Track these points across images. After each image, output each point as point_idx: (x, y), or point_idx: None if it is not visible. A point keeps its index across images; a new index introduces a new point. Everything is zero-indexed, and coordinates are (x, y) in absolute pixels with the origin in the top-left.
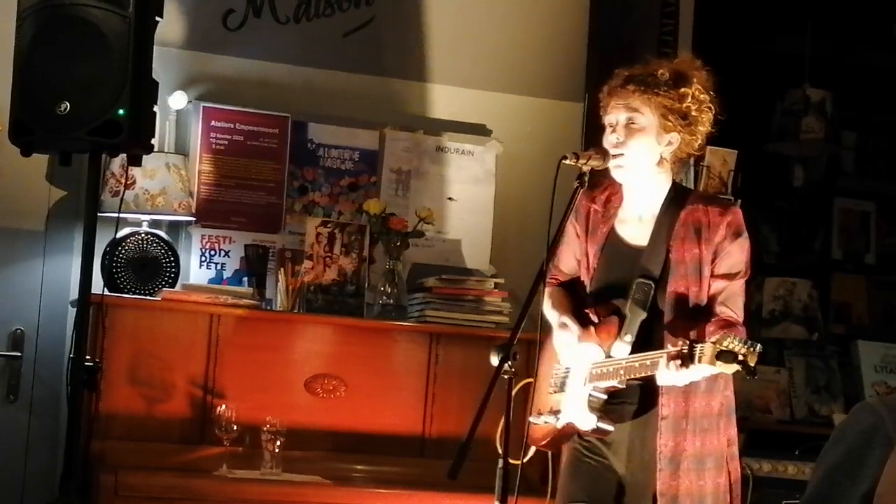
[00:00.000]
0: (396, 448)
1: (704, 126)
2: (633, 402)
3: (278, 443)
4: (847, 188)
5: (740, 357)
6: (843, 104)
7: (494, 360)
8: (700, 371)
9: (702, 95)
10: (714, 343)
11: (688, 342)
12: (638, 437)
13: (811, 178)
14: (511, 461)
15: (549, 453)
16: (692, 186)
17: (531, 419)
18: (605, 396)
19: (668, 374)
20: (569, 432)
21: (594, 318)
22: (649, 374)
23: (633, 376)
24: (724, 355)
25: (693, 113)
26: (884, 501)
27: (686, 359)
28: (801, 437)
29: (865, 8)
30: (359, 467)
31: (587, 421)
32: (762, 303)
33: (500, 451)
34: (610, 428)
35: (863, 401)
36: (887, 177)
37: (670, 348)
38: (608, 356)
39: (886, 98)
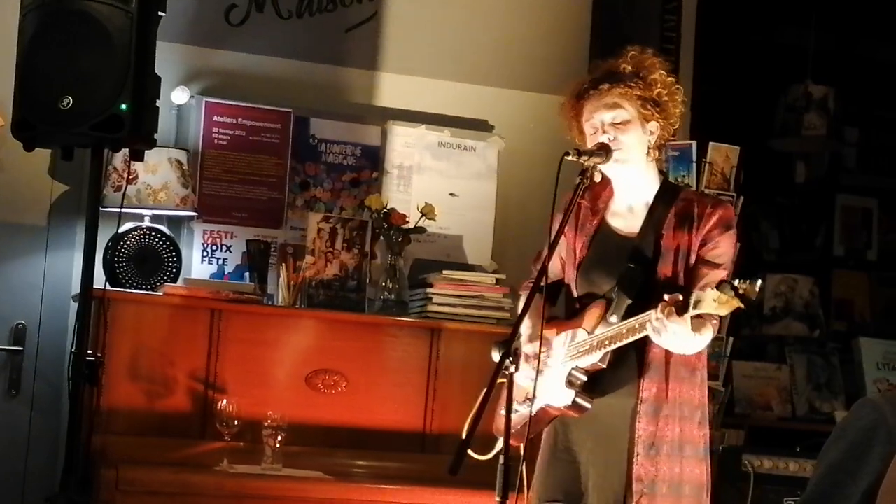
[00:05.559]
0: (397, 443)
1: (677, 108)
2: (612, 382)
3: (279, 438)
4: (849, 184)
5: (741, 291)
6: (845, 100)
7: (495, 356)
8: (686, 330)
9: (668, 79)
10: (709, 289)
11: (679, 295)
12: (610, 426)
13: (813, 175)
14: (476, 456)
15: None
16: (695, 182)
17: (501, 411)
18: (585, 378)
19: (662, 325)
20: (541, 420)
21: (578, 307)
22: (638, 336)
23: (619, 343)
24: (724, 286)
25: (664, 98)
26: (886, 500)
27: (680, 308)
28: (802, 434)
29: (870, 1)
30: (359, 463)
31: (564, 397)
32: (763, 300)
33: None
34: (587, 405)
35: (864, 397)
36: (889, 173)
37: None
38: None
39: (889, 94)
